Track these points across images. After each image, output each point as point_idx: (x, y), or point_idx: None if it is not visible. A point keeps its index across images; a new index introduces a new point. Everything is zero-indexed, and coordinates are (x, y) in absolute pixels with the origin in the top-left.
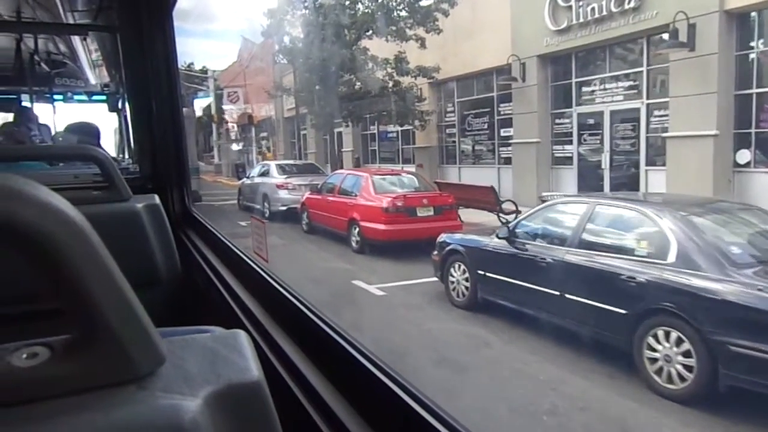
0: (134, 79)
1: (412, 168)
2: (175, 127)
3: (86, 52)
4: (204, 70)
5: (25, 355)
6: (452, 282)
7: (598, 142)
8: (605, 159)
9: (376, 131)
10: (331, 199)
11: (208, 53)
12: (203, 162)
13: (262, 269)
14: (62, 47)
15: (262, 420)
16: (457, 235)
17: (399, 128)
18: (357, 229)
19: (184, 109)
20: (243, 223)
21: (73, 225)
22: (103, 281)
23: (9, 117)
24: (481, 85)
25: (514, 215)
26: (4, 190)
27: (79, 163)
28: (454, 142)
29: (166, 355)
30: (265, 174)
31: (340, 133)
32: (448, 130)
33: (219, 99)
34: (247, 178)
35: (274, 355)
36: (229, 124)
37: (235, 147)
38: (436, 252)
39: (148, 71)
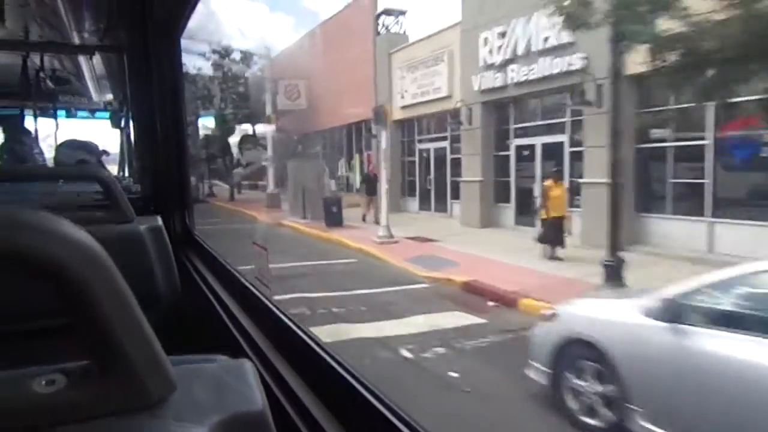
0: (140, 99)
1: None
2: (178, 149)
3: (91, 69)
4: (246, 53)
5: (44, 382)
6: None
7: None
8: None
9: (711, 138)
10: None
11: None
12: (226, 183)
13: (263, 296)
14: (67, 64)
15: None
16: None
17: None
18: None
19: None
20: None
21: (96, 258)
22: (120, 310)
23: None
24: None
25: None
26: (31, 225)
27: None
28: None
29: (176, 383)
30: None
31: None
32: None
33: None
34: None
35: (275, 384)
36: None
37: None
38: None
39: (154, 93)
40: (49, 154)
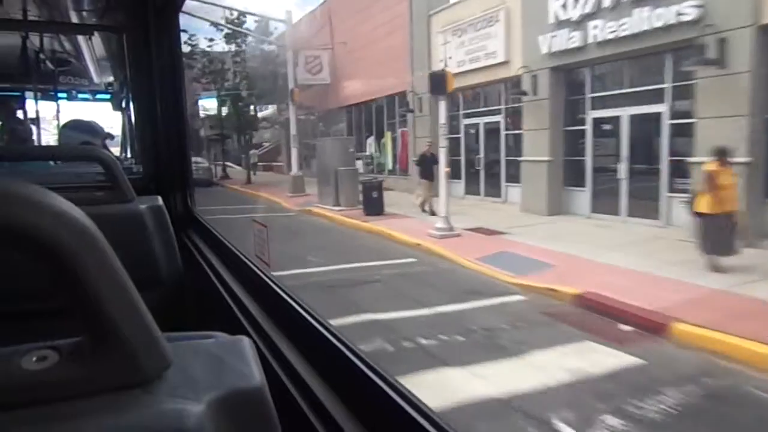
0: (139, 79)
1: None
2: (179, 129)
3: (91, 50)
4: (262, 18)
5: (35, 358)
6: None
7: None
8: None
9: None
10: None
11: None
12: (239, 165)
13: (264, 274)
14: (67, 45)
15: (263, 426)
16: None
17: None
18: None
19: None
20: None
21: (87, 234)
22: (113, 287)
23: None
24: None
25: None
26: (22, 199)
27: (82, 163)
28: None
29: (171, 359)
30: None
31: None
32: None
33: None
34: None
35: (275, 361)
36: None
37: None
38: None
39: (154, 72)
40: (53, 136)
